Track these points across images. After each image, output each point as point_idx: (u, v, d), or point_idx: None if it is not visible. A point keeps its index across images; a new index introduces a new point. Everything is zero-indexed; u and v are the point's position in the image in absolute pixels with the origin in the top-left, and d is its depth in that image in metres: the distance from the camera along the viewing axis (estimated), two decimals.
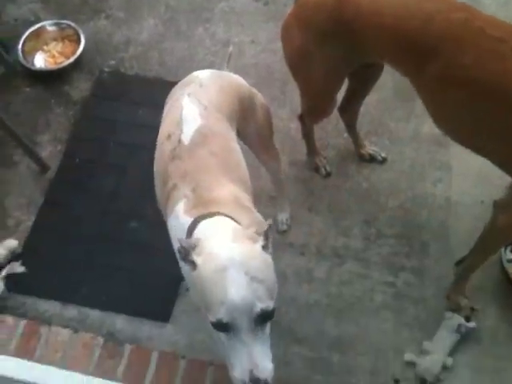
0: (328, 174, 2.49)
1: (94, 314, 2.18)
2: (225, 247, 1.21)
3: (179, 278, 2.19)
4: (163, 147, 1.58)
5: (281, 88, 2.71)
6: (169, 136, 1.58)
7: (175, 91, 1.76)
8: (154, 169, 1.64)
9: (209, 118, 1.61)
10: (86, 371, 1.99)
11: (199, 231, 1.33)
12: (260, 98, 1.95)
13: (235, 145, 1.66)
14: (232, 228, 1.30)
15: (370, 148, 2.53)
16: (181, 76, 2.71)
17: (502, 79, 1.63)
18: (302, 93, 2.19)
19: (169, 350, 2.05)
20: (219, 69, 1.99)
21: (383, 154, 2.53)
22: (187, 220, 1.39)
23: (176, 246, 1.42)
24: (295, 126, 2.57)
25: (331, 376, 2.00)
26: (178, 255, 1.27)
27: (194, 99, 1.64)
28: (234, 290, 1.15)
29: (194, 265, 1.22)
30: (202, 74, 1.78)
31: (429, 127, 2.59)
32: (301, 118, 2.36)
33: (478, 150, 1.84)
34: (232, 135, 1.68)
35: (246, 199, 1.52)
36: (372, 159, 2.52)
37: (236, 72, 2.67)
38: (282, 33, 2.02)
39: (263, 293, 1.16)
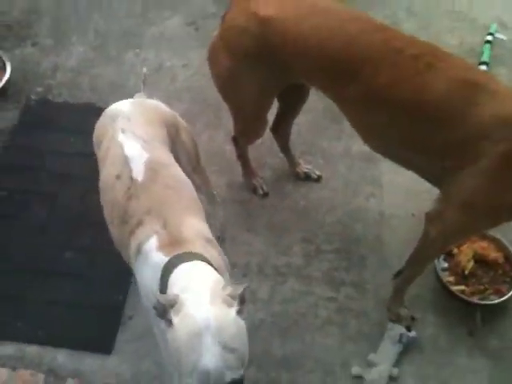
0: (265, 194, 2.49)
1: (33, 350, 2.04)
2: (202, 310, 1.18)
3: (120, 308, 2.13)
4: (115, 189, 1.53)
5: (215, 111, 2.70)
6: (118, 176, 1.53)
7: (104, 128, 1.70)
8: (106, 213, 1.59)
9: (152, 151, 1.59)
10: None
11: (176, 279, 1.29)
12: (181, 121, 1.92)
13: (182, 172, 1.65)
14: (210, 283, 1.25)
15: (304, 166, 2.55)
16: (112, 102, 2.73)
17: (418, 95, 1.69)
18: (232, 115, 2.19)
19: (113, 382, 1.95)
20: (149, 94, 1.96)
21: (317, 172, 2.55)
22: (161, 258, 1.35)
23: (144, 288, 1.41)
24: (230, 148, 2.55)
25: None
26: (153, 311, 1.22)
27: (130, 134, 1.60)
28: (207, 359, 1.13)
29: (170, 323, 1.18)
30: (124, 107, 1.74)
31: (359, 145, 2.63)
32: (234, 139, 2.36)
33: (406, 164, 1.90)
34: (174, 162, 1.66)
35: (207, 231, 1.51)
36: (307, 177, 2.54)
37: (169, 97, 2.69)
38: (208, 55, 2.02)
39: (235, 362, 1.15)
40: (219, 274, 1.34)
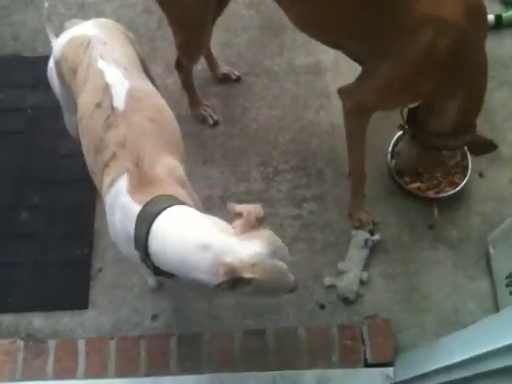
0: (216, 123, 2.35)
1: (7, 319, 1.95)
2: None
3: (87, 261, 2.02)
4: (94, 117, 1.40)
5: (149, 43, 2.49)
6: (98, 105, 1.40)
7: (77, 57, 1.52)
8: (83, 141, 1.46)
9: (133, 79, 1.46)
10: (13, 378, 1.80)
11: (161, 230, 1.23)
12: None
13: (163, 101, 1.53)
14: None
15: (223, 68, 2.43)
16: (39, 49, 2.48)
17: None
18: (174, 27, 1.98)
19: (95, 336, 1.89)
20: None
21: (236, 73, 2.45)
22: (133, 206, 1.27)
23: (111, 224, 1.34)
24: (172, 81, 2.38)
25: (261, 318, 1.95)
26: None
27: (111, 61, 1.46)
28: None
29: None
30: (90, 31, 1.57)
31: (301, 58, 2.52)
32: (178, 63, 2.17)
33: (337, 47, 1.90)
34: (156, 91, 1.54)
35: (181, 171, 1.42)
36: (226, 78, 2.44)
37: None
38: None
39: None
40: None
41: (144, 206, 1.25)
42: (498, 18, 2.53)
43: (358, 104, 1.87)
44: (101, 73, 1.44)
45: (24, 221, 2.11)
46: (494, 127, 2.33)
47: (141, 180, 1.30)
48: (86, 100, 1.46)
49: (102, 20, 1.69)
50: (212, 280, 1.17)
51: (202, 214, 1.28)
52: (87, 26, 1.62)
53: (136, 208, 1.26)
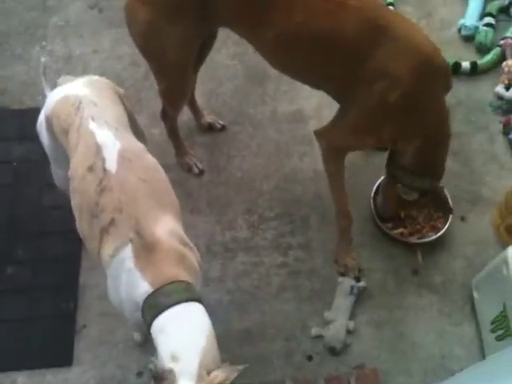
0: (201, 172, 2.33)
1: None
2: None
3: (71, 315, 1.96)
4: (86, 181, 1.38)
5: (136, 95, 2.48)
6: (90, 168, 1.39)
7: (69, 118, 1.51)
8: (75, 203, 1.44)
9: (124, 139, 1.46)
10: None
11: (164, 330, 1.22)
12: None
13: (154, 159, 1.51)
14: (200, 355, 1.18)
15: (208, 117, 2.43)
16: (27, 102, 2.46)
17: (331, 33, 1.67)
18: (157, 75, 1.99)
19: None
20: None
21: (221, 122, 2.44)
22: (143, 283, 1.27)
23: (112, 290, 1.36)
24: (158, 131, 2.37)
25: (247, 371, 1.89)
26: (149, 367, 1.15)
27: (101, 121, 1.46)
28: None
29: None
30: (81, 90, 1.56)
31: (284, 106, 2.53)
32: (163, 113, 2.18)
33: (316, 88, 1.95)
34: (145, 149, 1.53)
35: (181, 230, 1.42)
36: (211, 128, 2.43)
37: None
38: (126, 13, 1.83)
39: None
40: (193, 278, 1.31)
41: (154, 292, 1.25)
42: (474, 64, 2.56)
43: (332, 144, 1.94)
44: (92, 134, 1.44)
45: (9, 276, 2.06)
46: (473, 171, 2.34)
47: (145, 248, 1.30)
48: (78, 162, 1.44)
49: (93, 78, 1.69)
50: None
51: (206, 324, 1.26)
52: (79, 84, 1.62)
53: (145, 287, 1.26)
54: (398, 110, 1.71)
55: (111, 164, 1.38)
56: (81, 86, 1.60)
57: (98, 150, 1.41)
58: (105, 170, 1.38)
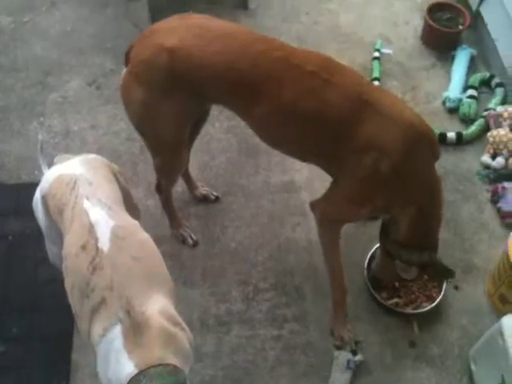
0: (195, 243, 2.35)
1: None
2: None
3: None
4: (79, 260, 1.40)
5: (131, 169, 2.54)
6: (83, 247, 1.41)
7: (64, 197, 1.54)
8: (67, 281, 1.45)
9: (117, 217, 1.49)
10: None
11: None
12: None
13: (146, 235, 1.53)
14: None
15: (202, 189, 2.48)
16: (24, 177, 2.51)
17: (318, 109, 1.74)
18: (152, 150, 2.05)
19: None
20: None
21: (215, 193, 2.49)
22: (128, 365, 1.25)
23: (101, 371, 1.32)
24: (153, 203, 2.42)
25: None
26: None
27: (95, 200, 1.50)
28: None
29: None
30: (76, 169, 1.61)
31: (277, 176, 2.59)
32: (158, 186, 2.23)
33: (306, 162, 2.03)
34: (138, 225, 1.55)
35: (172, 309, 1.41)
36: (205, 199, 2.47)
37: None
38: (122, 93, 1.91)
39: None
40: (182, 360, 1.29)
41: (138, 374, 1.24)
42: (459, 135, 2.65)
43: (327, 216, 1.96)
44: (86, 213, 1.47)
45: (1, 353, 2.02)
46: (464, 240, 2.37)
47: (134, 328, 1.29)
48: (71, 241, 1.46)
49: (89, 157, 1.74)
50: None
51: None
52: (75, 163, 1.66)
53: (130, 368, 1.25)
54: (389, 179, 1.75)
55: (104, 243, 1.41)
56: (77, 165, 1.65)
57: (91, 228, 1.44)
58: (97, 248, 1.40)
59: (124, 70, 1.89)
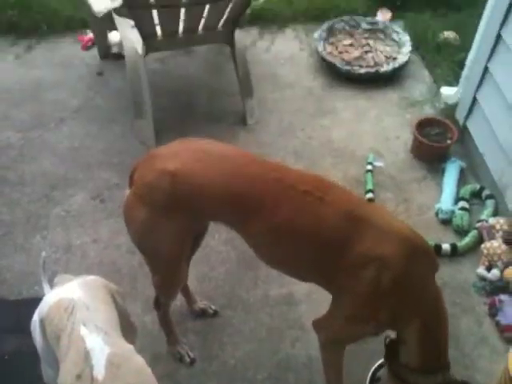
0: (193, 361, 2.33)
1: None
2: None
3: None
4: None
5: (130, 283, 2.58)
6: (79, 376, 1.42)
7: (60, 323, 1.57)
8: None
9: (113, 343, 1.50)
10: None
11: None
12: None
13: (141, 360, 1.53)
14: None
15: (201, 303, 2.50)
16: (24, 292, 2.54)
17: (313, 228, 1.79)
18: (153, 268, 2.09)
19: None
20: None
21: (213, 307, 2.51)
22: None
23: None
24: (150, 319, 2.42)
25: None
26: None
27: (92, 326, 1.53)
28: None
29: None
30: (75, 293, 1.64)
31: (275, 290, 2.62)
32: (156, 302, 2.25)
33: (305, 281, 2.04)
34: (134, 351, 1.56)
35: None
36: (204, 313, 2.49)
37: (81, 275, 2.53)
38: (124, 214, 1.99)
39: None
40: None
41: None
42: (454, 246, 2.72)
43: (330, 336, 1.95)
44: (82, 340, 1.49)
45: None
46: (465, 355, 2.35)
47: None
48: (67, 370, 1.47)
49: (88, 279, 1.78)
50: None
51: None
52: (73, 287, 1.70)
53: None
54: (391, 292, 1.75)
55: (99, 371, 1.42)
56: (75, 288, 1.69)
57: (86, 356, 1.46)
58: (92, 377, 1.41)
59: (127, 191, 1.99)
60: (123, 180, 2.90)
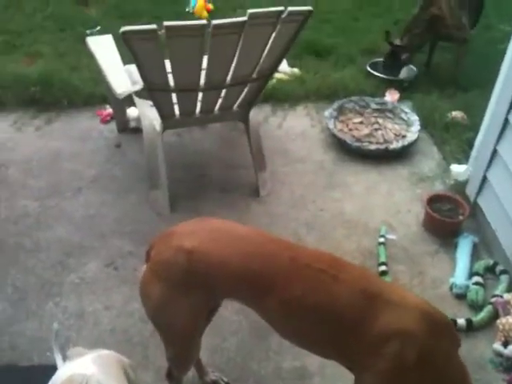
0: None
1: None
2: None
3: None
4: None
5: (142, 352, 2.57)
6: None
7: None
8: None
9: None
10: None
11: None
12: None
13: None
14: None
15: (212, 374, 2.47)
16: (35, 358, 2.53)
17: (328, 306, 1.80)
18: (167, 343, 2.10)
19: None
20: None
21: (225, 379, 2.48)
22: None
23: None
24: None
25: None
26: None
27: None
28: None
29: None
30: (88, 369, 1.67)
31: (288, 362, 2.59)
32: (168, 373, 2.23)
33: (322, 356, 2.01)
34: None
35: None
36: None
37: (93, 342, 2.55)
38: (141, 289, 2.01)
39: None
40: None
41: None
42: (469, 322, 2.71)
43: None
44: None
45: None
46: None
47: None
48: None
49: (102, 354, 1.82)
50: None
51: None
52: (87, 362, 1.73)
53: None
54: (416, 367, 1.70)
55: None
56: (89, 364, 1.71)
57: None
58: None
59: (144, 267, 2.02)
60: (137, 248, 3.01)
